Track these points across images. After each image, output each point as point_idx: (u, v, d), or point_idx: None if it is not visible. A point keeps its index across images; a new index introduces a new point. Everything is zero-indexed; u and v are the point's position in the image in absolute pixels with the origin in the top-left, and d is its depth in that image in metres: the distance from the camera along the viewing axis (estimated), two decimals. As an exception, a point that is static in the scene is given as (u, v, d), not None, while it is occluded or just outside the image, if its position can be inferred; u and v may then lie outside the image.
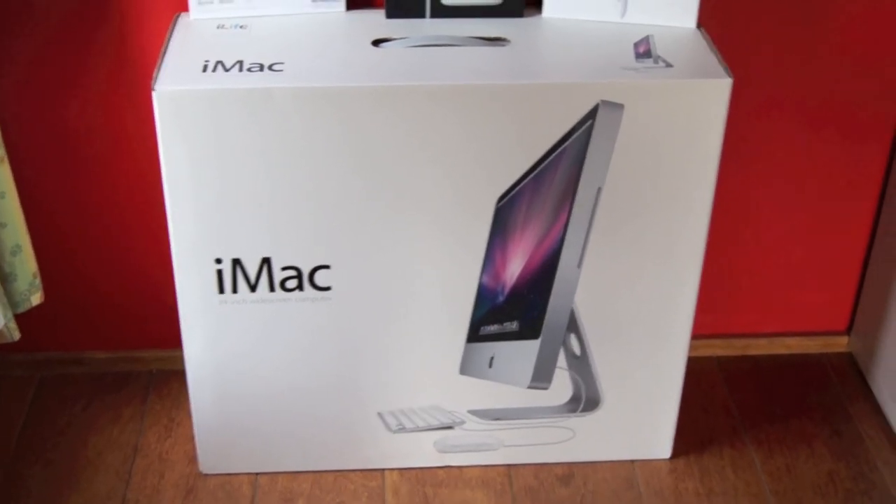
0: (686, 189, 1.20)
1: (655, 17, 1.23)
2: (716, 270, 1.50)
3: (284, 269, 1.22)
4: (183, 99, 1.11)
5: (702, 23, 1.24)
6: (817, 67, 1.38)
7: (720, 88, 1.14)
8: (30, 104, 1.35)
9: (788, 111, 1.42)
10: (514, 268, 1.22)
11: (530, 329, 1.22)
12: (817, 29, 1.36)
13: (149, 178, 1.36)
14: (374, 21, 1.26)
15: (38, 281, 1.34)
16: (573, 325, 1.27)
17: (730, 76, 1.14)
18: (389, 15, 1.26)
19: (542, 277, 1.21)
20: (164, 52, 1.18)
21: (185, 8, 1.25)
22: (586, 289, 1.25)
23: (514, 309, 1.23)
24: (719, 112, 1.15)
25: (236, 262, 1.21)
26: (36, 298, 1.34)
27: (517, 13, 1.26)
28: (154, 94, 1.11)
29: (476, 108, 1.14)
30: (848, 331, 1.64)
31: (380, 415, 1.35)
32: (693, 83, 1.14)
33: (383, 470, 1.41)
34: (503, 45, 1.21)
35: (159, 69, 1.14)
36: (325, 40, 1.21)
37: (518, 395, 1.33)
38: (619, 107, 1.14)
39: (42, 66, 1.32)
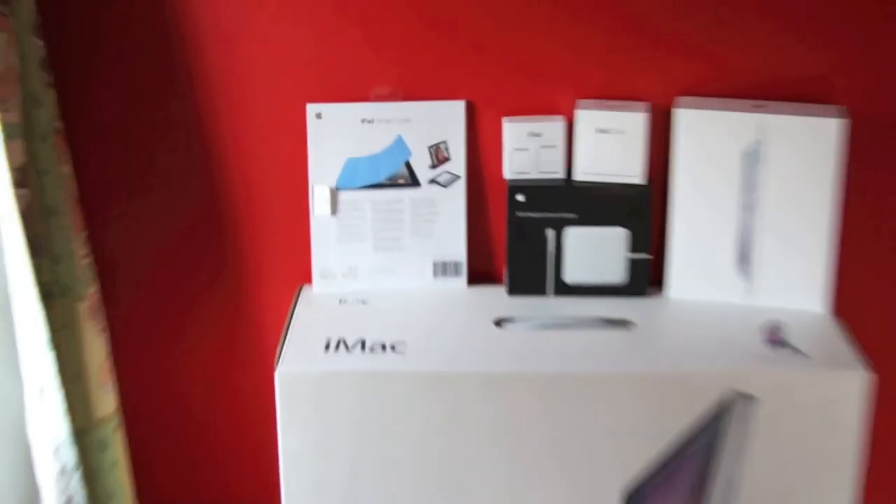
0: (826, 483, 1.14)
1: (784, 300, 1.21)
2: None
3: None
4: (305, 380, 1.12)
5: (832, 307, 1.22)
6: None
7: (860, 382, 1.10)
8: (146, 373, 1.35)
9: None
10: (642, 560, 1.18)
11: None
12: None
13: (263, 449, 1.31)
14: (496, 298, 1.26)
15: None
16: None
17: (871, 370, 1.10)
18: (511, 292, 1.26)
19: (671, 570, 1.16)
20: (288, 329, 1.19)
21: (309, 280, 1.27)
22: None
23: None
24: (859, 406, 1.11)
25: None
26: (142, 570, 1.31)
27: (641, 293, 1.25)
28: (276, 375, 1.11)
29: (600, 396, 1.12)
30: None
31: None
32: (831, 375, 1.11)
33: None
34: (627, 328, 1.20)
35: (283, 348, 1.15)
36: (446, 318, 1.22)
37: None
38: (754, 399, 1.11)
39: (160, 332, 1.34)
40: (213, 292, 1.33)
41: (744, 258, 1.22)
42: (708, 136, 1.19)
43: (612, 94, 1.23)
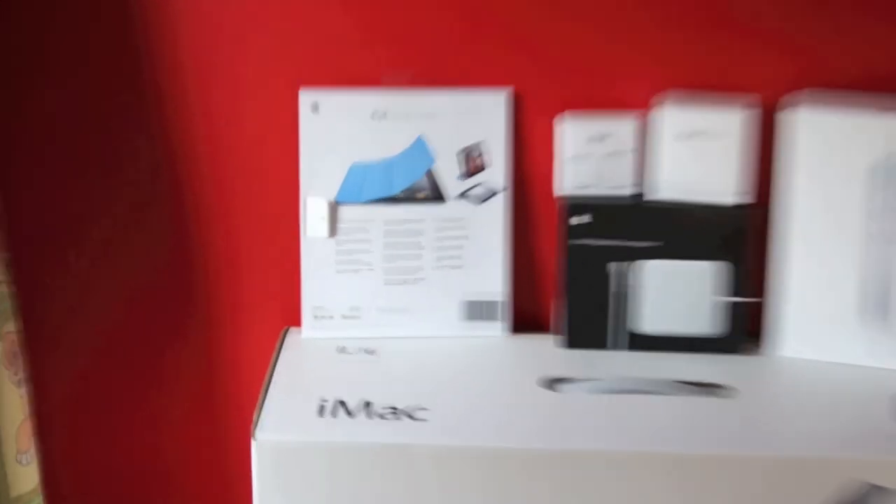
0: None
1: (928, 364, 1.10)
2: None
3: None
4: (291, 452, 1.02)
5: None
6: None
7: None
8: (80, 438, 1.26)
9: None
10: None
11: None
12: None
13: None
14: (546, 351, 1.16)
15: None
16: None
17: None
18: (566, 344, 1.16)
19: None
20: (269, 385, 1.09)
21: (297, 321, 1.18)
22: None
23: None
24: None
25: None
26: None
27: (737, 349, 1.15)
28: (253, 444, 1.01)
29: (685, 482, 1.00)
30: None
31: None
32: None
33: None
34: (721, 396, 1.09)
35: (261, 409, 1.04)
36: (481, 376, 1.12)
37: None
38: (886, 491, 0.99)
39: (100, 386, 1.25)
40: (174, 334, 1.24)
41: (875, 306, 1.11)
42: (830, 144, 1.09)
43: (703, 85, 1.13)
